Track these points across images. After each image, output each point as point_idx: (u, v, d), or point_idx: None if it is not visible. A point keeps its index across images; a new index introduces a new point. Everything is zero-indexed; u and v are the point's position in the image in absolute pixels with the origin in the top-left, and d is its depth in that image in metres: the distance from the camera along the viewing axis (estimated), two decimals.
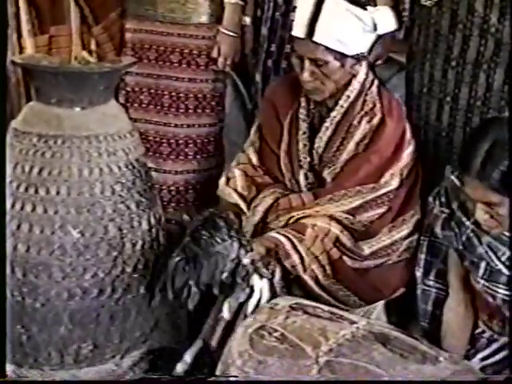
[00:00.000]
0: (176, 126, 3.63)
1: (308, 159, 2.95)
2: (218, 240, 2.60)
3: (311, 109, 2.96)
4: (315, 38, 2.77)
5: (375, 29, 2.85)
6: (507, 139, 2.26)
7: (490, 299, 2.48)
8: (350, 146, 2.88)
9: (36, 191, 2.65)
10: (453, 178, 2.51)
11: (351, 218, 2.84)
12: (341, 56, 2.81)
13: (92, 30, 3.54)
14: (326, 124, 2.91)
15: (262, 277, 2.69)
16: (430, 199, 2.64)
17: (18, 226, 2.65)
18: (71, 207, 2.65)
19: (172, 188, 3.64)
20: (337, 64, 2.81)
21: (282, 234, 2.79)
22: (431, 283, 2.72)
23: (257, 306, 2.64)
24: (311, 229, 2.80)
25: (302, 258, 2.77)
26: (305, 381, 2.25)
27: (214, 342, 2.66)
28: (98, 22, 3.56)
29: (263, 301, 2.67)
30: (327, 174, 2.90)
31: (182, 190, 3.65)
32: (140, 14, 3.57)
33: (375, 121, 2.87)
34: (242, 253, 2.63)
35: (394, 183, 2.87)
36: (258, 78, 3.49)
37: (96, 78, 2.71)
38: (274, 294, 2.71)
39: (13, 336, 2.67)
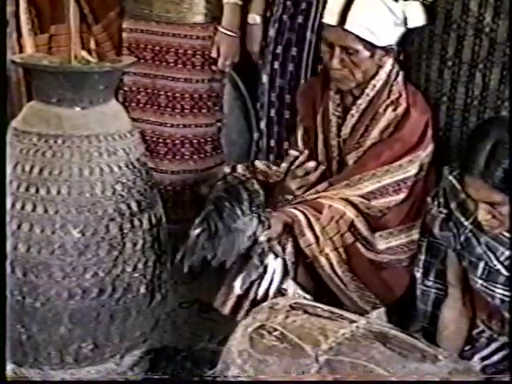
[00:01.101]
0: (172, 125, 3.62)
1: (337, 150, 2.98)
2: (239, 213, 2.61)
3: (340, 103, 2.98)
4: (347, 26, 2.80)
5: (405, 22, 2.89)
6: (508, 138, 2.27)
7: (491, 300, 2.49)
8: (374, 133, 2.90)
9: (37, 191, 2.66)
10: (451, 178, 2.51)
11: (367, 202, 2.85)
12: (371, 46, 2.83)
13: (92, 28, 3.53)
14: (352, 112, 2.94)
15: (276, 256, 2.70)
16: (429, 200, 2.65)
17: (19, 226, 2.65)
18: (72, 207, 2.65)
19: (169, 188, 3.63)
20: (366, 54, 2.84)
21: (300, 210, 2.78)
22: (430, 284, 2.72)
23: (268, 288, 2.68)
24: (327, 209, 2.80)
25: (317, 237, 2.77)
26: (305, 380, 2.26)
27: (226, 311, 2.74)
28: (97, 20, 3.55)
29: (274, 284, 2.70)
30: (350, 158, 2.93)
31: (179, 190, 3.65)
32: (136, 14, 3.56)
33: (400, 110, 2.89)
34: (260, 230, 2.64)
35: (413, 170, 2.87)
36: (264, 79, 3.49)
37: (96, 77, 2.72)
38: (285, 276, 2.73)
39: (13, 335, 2.67)
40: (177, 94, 3.59)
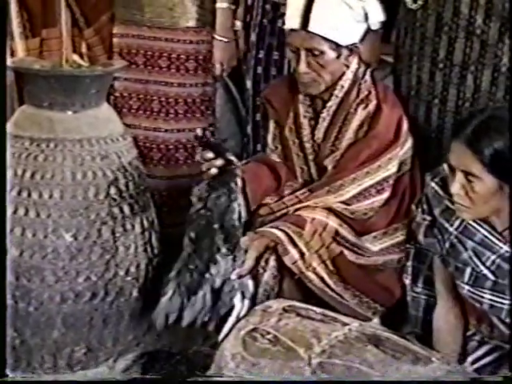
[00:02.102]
0: (166, 131, 3.62)
1: (313, 153, 2.97)
2: (214, 258, 2.60)
3: (310, 105, 2.97)
4: (310, 28, 2.80)
5: (366, 19, 2.89)
6: (506, 120, 2.28)
7: (479, 305, 2.48)
8: (349, 134, 2.90)
9: (29, 195, 2.66)
10: (433, 185, 2.51)
11: (350, 207, 2.85)
12: (336, 46, 2.83)
13: (83, 32, 3.53)
14: (323, 115, 2.93)
15: (244, 297, 2.69)
16: (413, 207, 2.66)
17: (11, 230, 2.65)
18: (64, 211, 2.65)
19: (164, 193, 3.63)
20: (333, 54, 2.84)
21: (281, 229, 2.78)
22: (420, 290, 2.72)
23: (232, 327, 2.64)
24: (310, 223, 2.80)
25: (302, 253, 2.77)
26: (298, 381, 2.26)
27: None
28: (89, 24, 3.54)
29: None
30: (328, 162, 2.91)
31: (175, 196, 3.64)
32: (127, 19, 3.56)
33: (371, 107, 2.89)
34: (231, 269, 2.62)
35: (393, 168, 2.87)
36: (248, 84, 3.51)
37: (88, 81, 2.73)
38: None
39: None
40: (170, 99, 3.59)
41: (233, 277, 2.62)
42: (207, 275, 2.58)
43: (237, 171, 2.62)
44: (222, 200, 2.59)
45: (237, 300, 2.65)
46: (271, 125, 3.09)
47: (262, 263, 2.75)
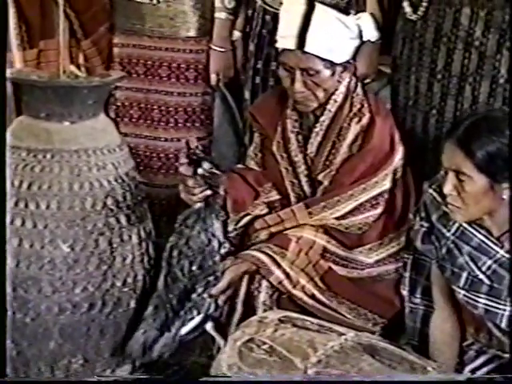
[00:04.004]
0: (166, 140, 3.63)
1: (304, 167, 2.96)
2: (189, 298, 2.65)
3: (298, 120, 2.97)
4: (307, 48, 2.80)
5: (361, 36, 2.89)
6: (498, 121, 2.33)
7: (474, 310, 2.48)
8: (343, 149, 2.89)
9: (26, 205, 2.66)
10: (431, 191, 2.53)
11: (345, 222, 2.85)
12: (331, 64, 2.83)
13: (81, 43, 3.53)
14: (316, 129, 2.92)
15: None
16: (411, 216, 2.66)
17: (8, 240, 2.64)
18: (61, 221, 2.65)
19: (164, 202, 3.63)
20: (327, 72, 2.84)
21: (262, 252, 2.79)
22: (418, 301, 2.71)
23: None
24: (295, 243, 2.81)
25: (286, 273, 2.77)
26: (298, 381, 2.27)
27: None
28: (87, 35, 3.55)
29: None
30: (323, 178, 2.91)
31: (174, 205, 3.64)
32: (128, 29, 3.58)
33: (364, 120, 2.89)
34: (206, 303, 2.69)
35: (387, 183, 2.88)
36: (247, 94, 3.51)
37: (85, 92, 2.73)
38: None
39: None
40: (170, 108, 3.61)
41: (207, 327, 2.72)
42: (181, 313, 2.65)
43: (218, 199, 2.69)
44: (202, 237, 2.65)
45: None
46: (256, 135, 3.11)
47: (256, 285, 2.77)
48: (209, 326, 2.74)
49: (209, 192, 2.66)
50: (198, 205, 2.68)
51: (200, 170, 2.62)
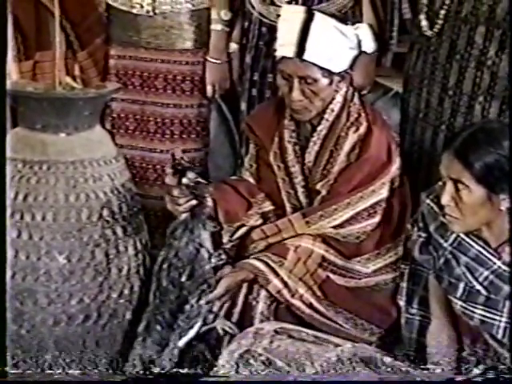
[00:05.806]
0: (162, 151, 3.62)
1: (301, 177, 2.96)
2: (182, 308, 2.64)
3: (295, 130, 2.97)
4: (306, 57, 2.80)
5: (359, 46, 2.90)
6: (496, 132, 2.34)
7: (470, 321, 2.48)
8: (341, 158, 2.90)
9: (21, 217, 2.66)
10: (428, 201, 2.54)
11: (343, 231, 2.86)
12: (328, 73, 2.83)
13: (77, 55, 3.53)
14: (314, 139, 2.93)
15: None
16: (409, 227, 2.66)
17: None
18: (57, 233, 2.66)
19: (159, 214, 3.62)
20: (325, 81, 2.84)
21: (261, 260, 2.79)
22: (414, 311, 2.71)
23: None
24: (293, 252, 2.81)
25: (284, 282, 2.77)
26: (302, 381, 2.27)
27: None
28: (83, 47, 3.54)
29: None
30: (321, 187, 2.91)
31: (170, 217, 3.62)
32: (124, 41, 3.58)
33: (362, 130, 2.90)
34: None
35: (384, 192, 2.88)
36: (243, 106, 3.51)
37: (81, 103, 2.74)
38: None
39: None
40: (166, 120, 3.60)
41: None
42: (175, 326, 2.64)
43: (205, 209, 2.70)
44: (190, 248, 2.65)
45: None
46: (251, 146, 3.11)
47: (254, 294, 2.77)
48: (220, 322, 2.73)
49: (194, 202, 2.67)
50: (185, 215, 2.68)
51: (185, 180, 2.63)
